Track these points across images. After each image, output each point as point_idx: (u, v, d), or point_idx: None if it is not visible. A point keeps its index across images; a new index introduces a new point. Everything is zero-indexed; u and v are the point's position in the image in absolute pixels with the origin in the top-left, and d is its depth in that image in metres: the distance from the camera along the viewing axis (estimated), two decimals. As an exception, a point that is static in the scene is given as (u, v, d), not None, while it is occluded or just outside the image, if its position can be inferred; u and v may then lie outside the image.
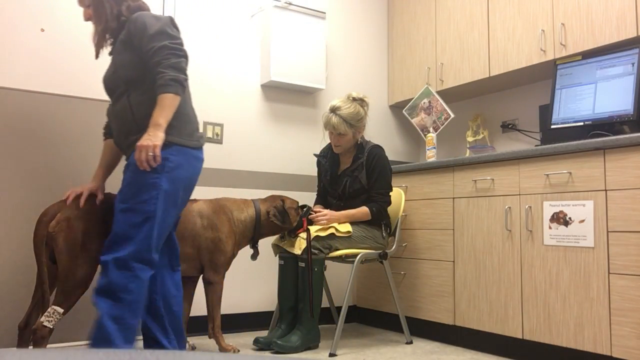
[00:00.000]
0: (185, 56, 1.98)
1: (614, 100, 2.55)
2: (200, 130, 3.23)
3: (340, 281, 3.53)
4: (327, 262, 2.89)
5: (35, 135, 2.71)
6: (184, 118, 2.02)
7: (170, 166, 1.93)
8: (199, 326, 3.00)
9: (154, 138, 1.85)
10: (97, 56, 2.12)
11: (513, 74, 3.09)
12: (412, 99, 3.57)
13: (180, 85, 1.91)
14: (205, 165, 3.17)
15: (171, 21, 2.00)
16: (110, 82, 2.06)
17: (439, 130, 3.42)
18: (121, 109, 2.01)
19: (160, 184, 1.91)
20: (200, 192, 3.13)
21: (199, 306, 2.96)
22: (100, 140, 2.34)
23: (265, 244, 3.06)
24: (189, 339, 2.85)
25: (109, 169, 2.22)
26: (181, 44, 1.98)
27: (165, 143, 1.91)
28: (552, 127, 2.78)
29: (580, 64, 2.72)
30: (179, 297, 2.16)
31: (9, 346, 2.54)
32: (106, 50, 2.14)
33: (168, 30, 1.96)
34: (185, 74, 1.96)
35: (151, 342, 2.08)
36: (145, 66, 1.96)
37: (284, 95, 3.51)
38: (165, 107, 1.88)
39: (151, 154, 1.85)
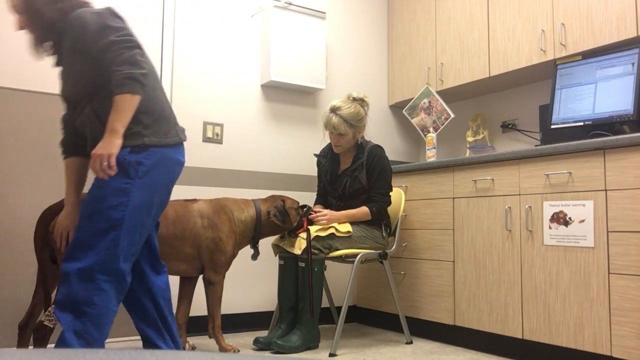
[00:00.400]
0: (138, 46, 1.78)
1: (614, 100, 2.56)
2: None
3: (340, 281, 3.53)
4: (327, 262, 2.89)
5: (36, 135, 2.71)
6: (157, 115, 1.88)
7: (143, 171, 1.80)
8: (199, 326, 3.00)
9: (109, 146, 1.70)
10: (57, 64, 1.96)
11: (513, 74, 3.09)
12: (412, 99, 3.58)
13: (136, 82, 1.73)
14: (205, 165, 3.17)
15: (111, 12, 1.82)
16: (72, 96, 1.90)
17: (439, 130, 3.42)
18: (87, 119, 1.86)
19: (131, 191, 1.78)
20: (201, 192, 3.13)
21: (199, 306, 2.96)
22: None
23: (265, 244, 3.06)
24: (188, 338, 2.85)
25: (80, 190, 2.03)
26: (128, 34, 1.78)
27: (140, 145, 1.80)
28: (552, 127, 2.78)
29: (580, 64, 2.72)
30: (169, 298, 2.09)
31: (9, 346, 2.54)
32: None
33: (110, 24, 1.77)
34: (142, 67, 1.76)
35: (149, 345, 2.07)
36: (101, 69, 1.79)
37: (284, 95, 3.51)
38: (122, 110, 1.72)
39: (106, 163, 1.70)
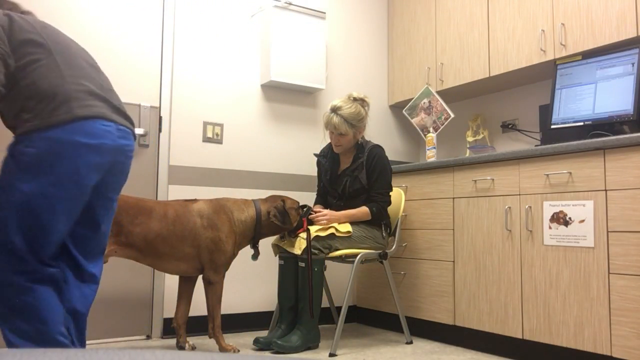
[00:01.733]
0: None
1: (614, 100, 2.56)
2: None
3: (340, 281, 3.53)
4: (327, 262, 2.89)
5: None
6: (43, 95, 1.63)
7: (26, 161, 1.58)
8: (199, 326, 3.00)
9: None
10: None
11: (513, 74, 3.09)
12: (412, 99, 3.57)
13: None
14: (205, 165, 3.17)
15: None
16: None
17: (439, 130, 3.42)
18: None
19: (15, 185, 1.58)
20: (201, 192, 3.13)
21: (199, 306, 2.96)
22: None
23: (265, 244, 3.06)
24: (188, 338, 2.85)
25: None
26: None
27: (22, 133, 1.60)
28: (552, 127, 2.78)
29: (580, 64, 2.72)
30: (85, 312, 1.81)
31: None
32: None
33: None
34: None
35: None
36: None
37: (284, 95, 3.51)
38: None
39: None
